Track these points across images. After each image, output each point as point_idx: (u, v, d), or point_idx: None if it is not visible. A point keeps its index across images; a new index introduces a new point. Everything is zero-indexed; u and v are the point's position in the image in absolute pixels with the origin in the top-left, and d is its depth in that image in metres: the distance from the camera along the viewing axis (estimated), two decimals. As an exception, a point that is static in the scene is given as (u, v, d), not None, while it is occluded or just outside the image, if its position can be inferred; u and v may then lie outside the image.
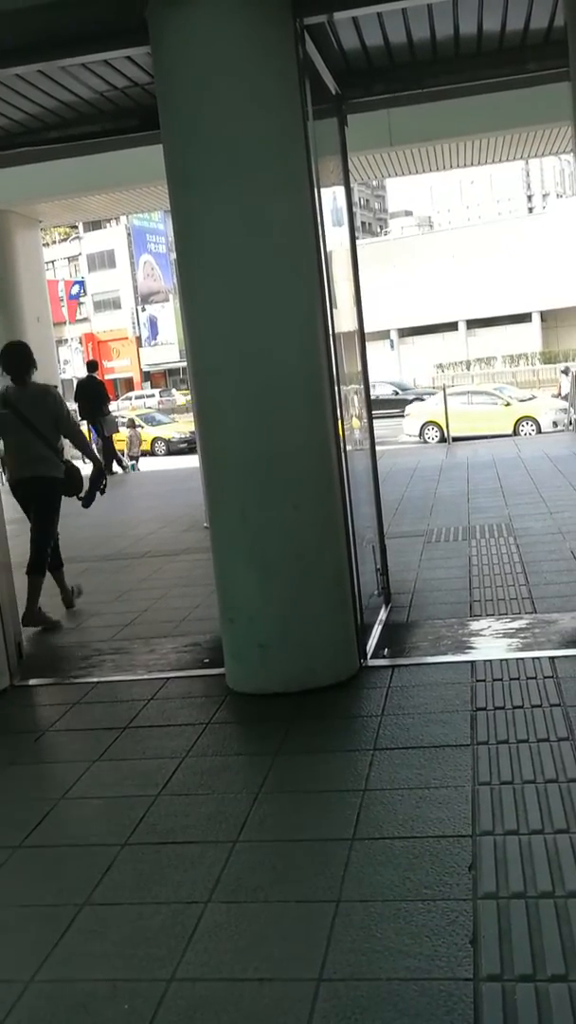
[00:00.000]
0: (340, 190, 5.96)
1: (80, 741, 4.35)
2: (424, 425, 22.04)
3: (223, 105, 4.37)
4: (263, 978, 2.49)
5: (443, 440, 19.66)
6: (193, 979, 2.52)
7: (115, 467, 17.38)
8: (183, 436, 25.39)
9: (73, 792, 3.79)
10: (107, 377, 44.28)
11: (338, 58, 5.42)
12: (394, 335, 54.28)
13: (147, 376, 57.25)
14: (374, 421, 6.31)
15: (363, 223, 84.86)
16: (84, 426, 18.00)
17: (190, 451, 22.11)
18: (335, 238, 5.51)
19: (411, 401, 26.59)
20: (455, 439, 18.52)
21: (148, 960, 2.62)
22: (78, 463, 6.91)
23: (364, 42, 5.29)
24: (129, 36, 4.64)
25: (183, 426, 26.43)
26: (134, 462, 20.85)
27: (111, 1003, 2.47)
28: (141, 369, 57.29)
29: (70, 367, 49.14)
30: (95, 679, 5.20)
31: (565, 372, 27.02)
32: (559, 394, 25.73)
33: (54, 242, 55.06)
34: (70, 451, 7.27)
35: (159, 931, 2.76)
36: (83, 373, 21.01)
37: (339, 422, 4.87)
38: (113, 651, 5.70)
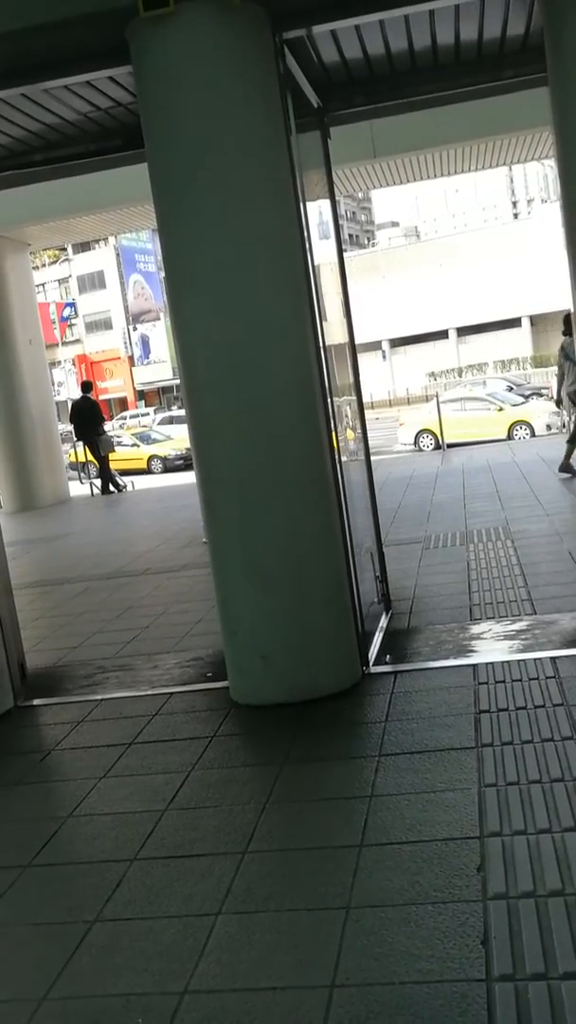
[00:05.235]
0: (326, 203, 6.00)
1: (86, 759, 4.35)
2: (418, 433, 22.09)
3: (206, 122, 4.41)
4: (276, 987, 2.50)
5: (438, 447, 19.70)
6: (206, 991, 2.53)
7: (110, 486, 17.38)
8: (179, 453, 25.39)
9: (81, 810, 3.79)
10: (101, 397, 44.35)
11: (318, 71, 5.46)
12: (386, 345, 54.45)
13: (141, 395, 57.33)
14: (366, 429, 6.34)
15: (350, 235, 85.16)
16: (80, 446, 18.07)
17: (186, 468, 22.14)
18: (322, 251, 5.54)
19: (529, 396, 26.80)
20: (450, 446, 18.55)
21: (161, 974, 2.63)
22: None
23: (343, 55, 5.34)
24: (110, 56, 4.67)
25: (179, 443, 26.45)
26: None
27: (124, 1018, 2.47)
28: (135, 388, 57.37)
29: (64, 389, 49.24)
30: (99, 696, 5.20)
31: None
32: (552, 397, 25.78)
33: (44, 265, 55.23)
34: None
35: (171, 944, 2.76)
36: (77, 394, 21.05)
37: (333, 433, 4.89)
38: (116, 668, 5.70)
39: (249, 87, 4.46)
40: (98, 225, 16.97)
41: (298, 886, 2.98)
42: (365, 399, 6.42)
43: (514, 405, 23.04)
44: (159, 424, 33.79)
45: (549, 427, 20.60)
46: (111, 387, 56.90)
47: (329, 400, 4.87)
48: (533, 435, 20.63)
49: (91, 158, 6.23)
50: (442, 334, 53.78)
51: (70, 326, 57.72)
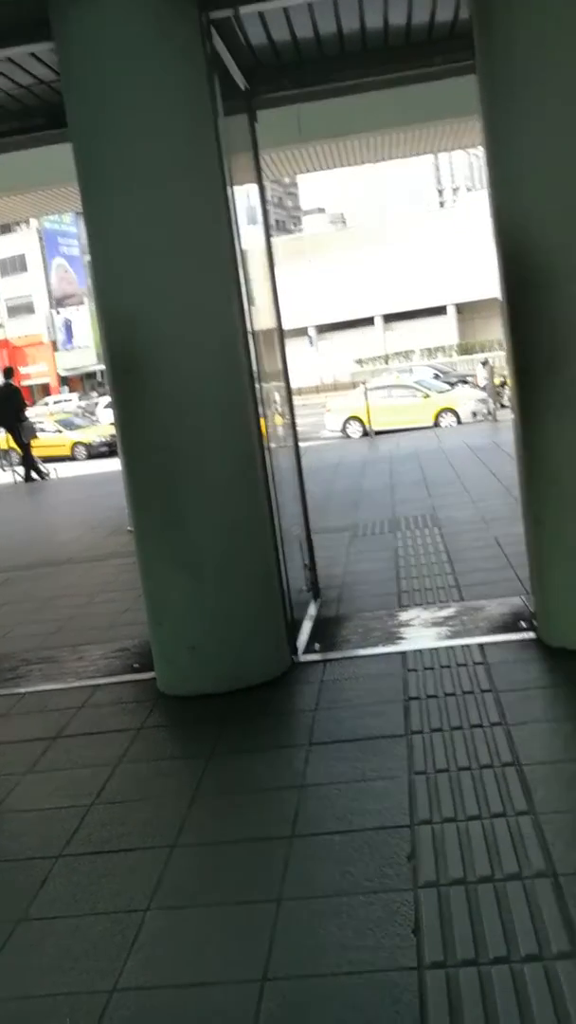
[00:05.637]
0: (253, 187, 5.94)
1: (10, 754, 4.25)
2: (346, 420, 22.19)
3: (130, 102, 4.32)
4: (206, 982, 2.47)
5: (365, 434, 19.81)
6: (136, 988, 2.48)
7: (33, 474, 17.08)
8: (104, 439, 25.09)
9: (5, 806, 3.70)
10: (23, 383, 43.54)
11: (246, 54, 5.39)
12: (312, 332, 54.51)
13: (64, 381, 56.48)
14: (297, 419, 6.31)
15: (277, 221, 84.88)
16: (1, 433, 17.70)
17: (111, 454, 21.88)
18: (250, 236, 5.48)
19: (455, 383, 26.70)
20: (377, 433, 18.66)
21: (89, 972, 2.58)
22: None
23: (271, 37, 5.27)
24: (32, 32, 4.54)
25: (104, 430, 26.13)
26: None
27: (52, 1018, 2.41)
28: (58, 374, 56.48)
29: (-16, 374, 48.18)
30: (23, 690, 5.09)
31: (484, 364, 27.47)
32: (478, 385, 26.11)
33: (-37, 247, 53.94)
34: None
35: (99, 942, 2.71)
36: (-1, 380, 20.58)
37: (260, 420, 4.85)
38: (40, 660, 5.59)
39: (175, 67, 4.37)
40: (19, 207, 16.56)
41: (229, 879, 2.95)
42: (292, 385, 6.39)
43: (440, 392, 23.27)
44: (105, 408, 33.36)
45: (475, 414, 20.86)
46: (33, 373, 55.85)
47: (257, 386, 4.83)
48: (459, 422, 20.86)
49: (12, 136, 6.06)
50: (368, 321, 54.05)
51: (-9, 310, 56.51)
